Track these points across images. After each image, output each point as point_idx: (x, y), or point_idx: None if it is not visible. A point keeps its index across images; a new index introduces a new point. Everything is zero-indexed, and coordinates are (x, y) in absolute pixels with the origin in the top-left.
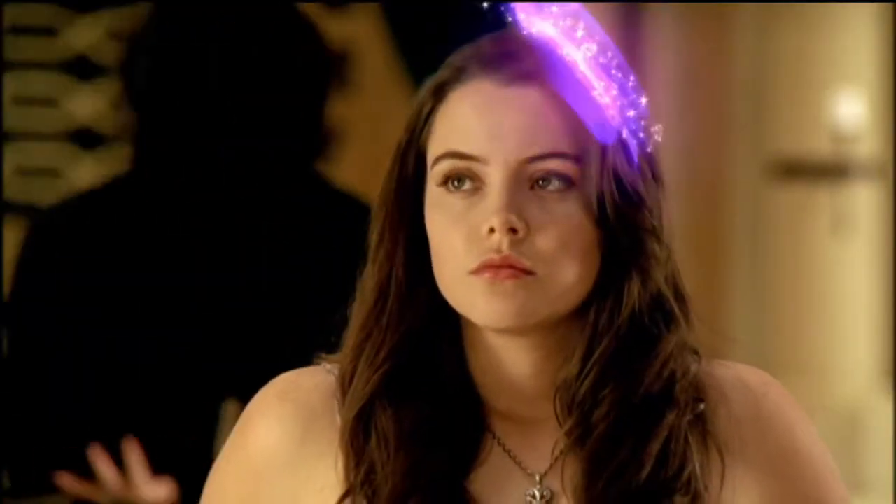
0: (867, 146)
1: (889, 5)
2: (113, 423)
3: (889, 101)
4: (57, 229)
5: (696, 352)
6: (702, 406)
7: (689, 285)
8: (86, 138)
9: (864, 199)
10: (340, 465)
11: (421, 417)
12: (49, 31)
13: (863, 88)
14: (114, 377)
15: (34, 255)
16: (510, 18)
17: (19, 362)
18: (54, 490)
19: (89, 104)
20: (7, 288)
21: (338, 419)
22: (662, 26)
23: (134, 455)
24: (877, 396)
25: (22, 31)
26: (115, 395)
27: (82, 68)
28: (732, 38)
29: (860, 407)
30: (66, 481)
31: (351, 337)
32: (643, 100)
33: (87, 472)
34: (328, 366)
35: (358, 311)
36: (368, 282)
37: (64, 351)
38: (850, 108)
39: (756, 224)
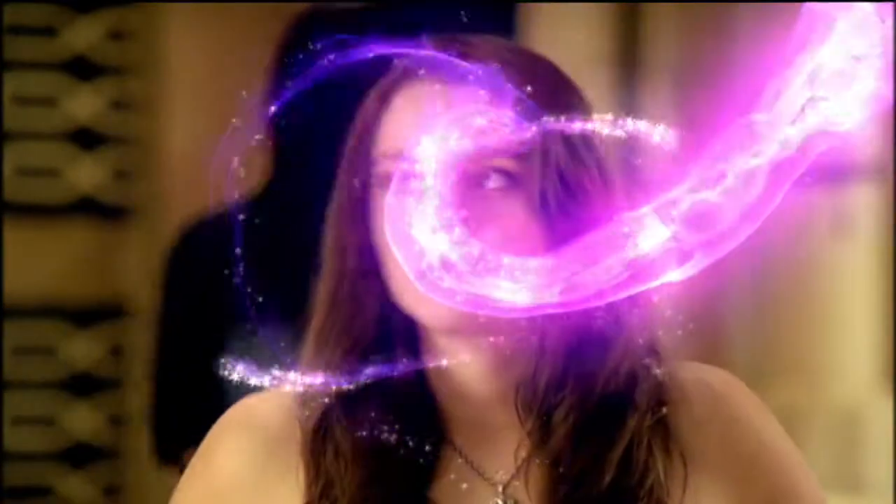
0: (867, 146)
1: (888, 5)
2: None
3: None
4: (200, 234)
5: (657, 352)
6: (664, 410)
7: (687, 285)
8: (86, 138)
9: (864, 200)
10: (301, 479)
11: (376, 428)
12: (49, 31)
13: None
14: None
15: (179, 260)
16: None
17: (167, 352)
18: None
19: (89, 104)
20: (9, 288)
21: (298, 436)
22: (662, 26)
23: None
24: (877, 396)
25: (22, 31)
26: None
27: (82, 68)
28: (732, 38)
29: (860, 407)
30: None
31: (306, 348)
32: (586, 98)
33: None
34: (289, 386)
35: (314, 322)
36: (322, 291)
37: (200, 345)
38: None
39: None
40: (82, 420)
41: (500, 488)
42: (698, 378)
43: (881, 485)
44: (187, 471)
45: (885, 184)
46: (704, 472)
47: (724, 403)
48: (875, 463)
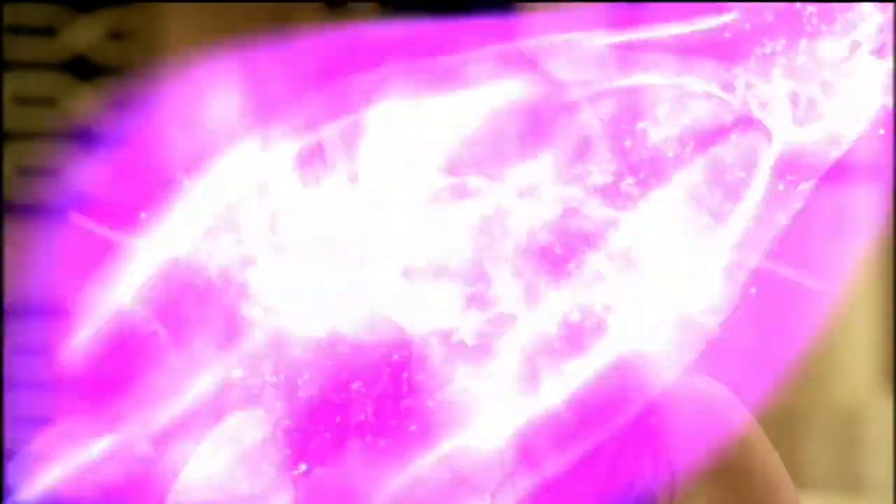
0: (867, 146)
1: (888, 5)
2: None
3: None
4: None
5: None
6: (651, 420)
7: None
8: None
9: (864, 200)
10: None
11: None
12: (49, 31)
13: None
14: None
15: None
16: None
17: None
18: None
19: (89, 104)
20: (7, 289)
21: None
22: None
23: None
24: (877, 396)
25: (22, 31)
26: None
27: (82, 68)
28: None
29: (860, 407)
30: None
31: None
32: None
33: None
34: None
35: None
36: None
37: None
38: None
39: None
40: None
41: (488, 497)
42: (690, 388)
43: (881, 485)
44: None
45: (885, 184)
46: (692, 484)
47: (712, 414)
48: (875, 463)
